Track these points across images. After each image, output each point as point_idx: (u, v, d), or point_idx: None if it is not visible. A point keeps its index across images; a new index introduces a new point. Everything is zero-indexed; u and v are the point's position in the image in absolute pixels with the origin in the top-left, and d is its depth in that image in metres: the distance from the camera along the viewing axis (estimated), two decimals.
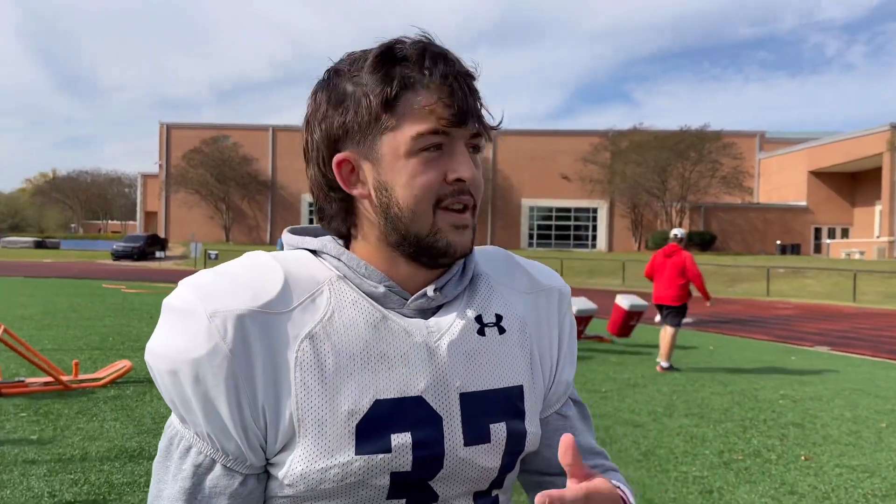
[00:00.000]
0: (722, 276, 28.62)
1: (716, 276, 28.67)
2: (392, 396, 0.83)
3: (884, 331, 12.90)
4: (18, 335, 7.39)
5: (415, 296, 0.89)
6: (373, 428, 0.81)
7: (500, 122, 0.91)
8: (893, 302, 21.09)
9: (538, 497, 0.70)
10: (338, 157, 0.87)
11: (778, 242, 42.46)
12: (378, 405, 0.82)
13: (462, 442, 0.86)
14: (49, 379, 6.57)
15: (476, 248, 1.00)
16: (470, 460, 0.86)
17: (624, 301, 10.60)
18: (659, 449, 5.22)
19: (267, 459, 0.83)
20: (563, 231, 50.27)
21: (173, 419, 0.86)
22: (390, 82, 0.83)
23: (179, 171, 49.32)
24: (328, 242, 0.91)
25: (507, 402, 0.91)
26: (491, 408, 0.89)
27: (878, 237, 38.29)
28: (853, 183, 43.17)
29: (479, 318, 0.91)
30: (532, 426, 0.93)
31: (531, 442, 0.93)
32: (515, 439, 0.90)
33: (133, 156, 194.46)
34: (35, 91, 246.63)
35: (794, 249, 41.20)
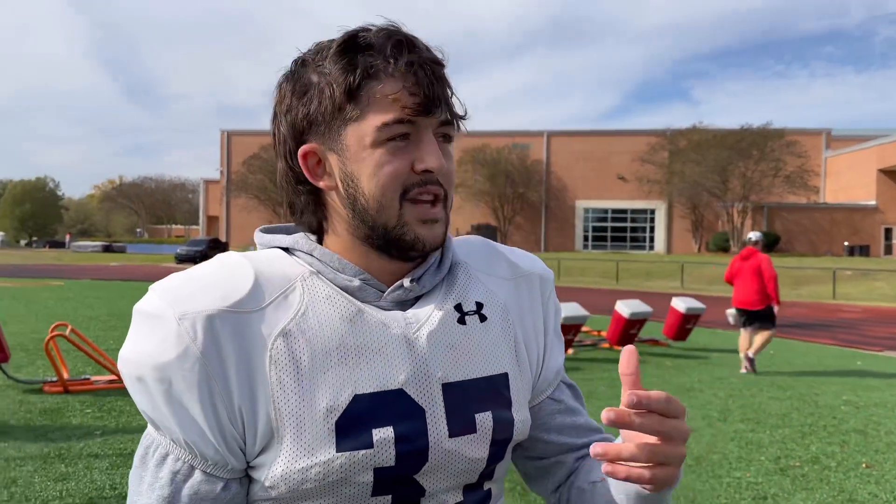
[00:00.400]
0: (786, 279, 27.72)
1: (779, 278, 27.73)
2: (371, 391, 0.81)
3: None
4: (85, 335, 7.72)
5: (391, 287, 0.87)
6: (353, 424, 0.79)
7: (466, 113, 0.88)
8: None
9: (607, 413, 0.70)
10: (303, 148, 0.86)
11: (846, 244, 40.95)
12: (357, 400, 0.80)
13: (447, 433, 0.84)
14: (113, 377, 6.86)
15: (454, 238, 0.99)
16: (456, 452, 0.85)
17: (680, 304, 10.41)
18: (712, 454, 5.11)
19: (248, 462, 0.81)
20: (620, 233, 49.52)
21: (149, 427, 0.83)
22: (353, 71, 0.81)
23: (239, 176, 50.55)
24: (300, 239, 0.90)
25: (492, 391, 0.89)
26: (476, 397, 0.87)
27: None
28: None
29: (458, 307, 0.90)
30: (519, 414, 0.92)
31: (519, 430, 0.92)
32: (502, 428, 0.89)
33: (196, 162, 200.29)
34: (103, 100, 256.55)
35: (863, 251, 39.65)
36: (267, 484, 0.79)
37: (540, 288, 1.00)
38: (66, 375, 6.68)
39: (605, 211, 49.50)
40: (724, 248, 41.29)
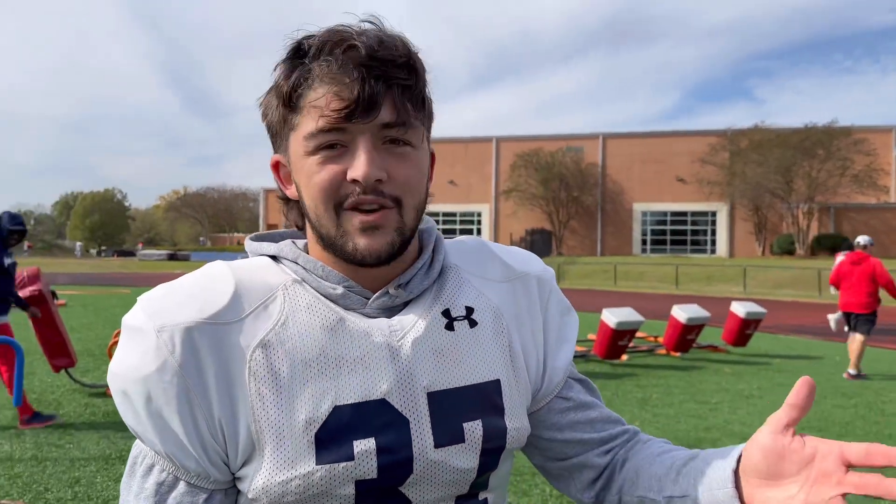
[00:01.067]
0: None
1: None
2: (352, 401, 0.79)
3: None
4: None
5: (376, 294, 0.85)
6: (333, 436, 0.78)
7: (430, 111, 0.85)
8: None
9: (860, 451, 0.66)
10: (272, 159, 0.89)
11: None
12: (337, 411, 0.78)
13: (432, 443, 0.81)
14: None
15: (450, 239, 0.97)
16: (443, 462, 0.82)
17: (740, 308, 10.14)
18: None
19: (233, 473, 0.80)
20: (679, 236, 48.47)
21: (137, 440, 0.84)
22: (288, 79, 0.80)
23: None
24: (285, 246, 0.89)
25: (482, 399, 0.86)
26: (464, 405, 0.84)
27: None
28: None
29: (446, 313, 0.87)
30: (514, 421, 0.89)
31: (514, 438, 0.88)
32: (494, 436, 0.86)
33: (256, 172, 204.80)
34: (168, 114, 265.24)
35: None
36: (250, 496, 0.79)
37: (538, 289, 0.96)
38: None
39: (664, 214, 48.52)
40: (790, 251, 39.98)
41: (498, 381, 0.88)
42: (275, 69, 0.83)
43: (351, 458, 0.78)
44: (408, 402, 0.81)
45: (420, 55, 0.83)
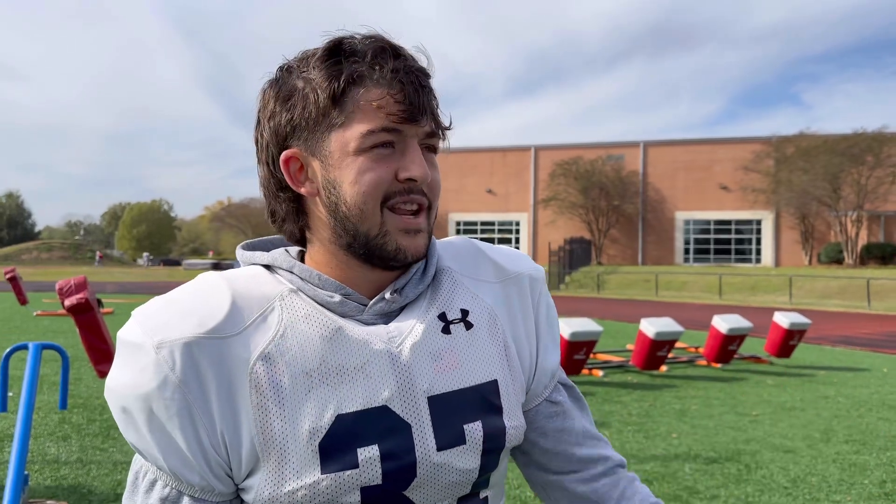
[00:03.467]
0: None
1: None
2: (354, 409, 0.80)
3: None
4: None
5: (373, 300, 0.86)
6: (337, 444, 0.79)
7: (451, 125, 0.88)
8: None
9: None
10: (285, 153, 0.85)
11: None
12: (340, 420, 0.79)
13: (435, 447, 0.83)
14: None
15: (439, 241, 0.98)
16: (446, 464, 0.83)
17: (783, 319, 9.93)
18: (811, 476, 4.84)
19: (236, 485, 0.81)
20: (724, 245, 47.55)
21: (137, 454, 0.84)
22: (338, 77, 0.80)
23: None
24: (279, 255, 0.89)
25: (480, 400, 0.87)
26: (464, 407, 0.86)
27: None
28: None
29: (442, 316, 0.88)
30: (512, 420, 0.90)
31: (512, 436, 0.90)
32: (494, 436, 0.87)
33: None
34: (213, 125, 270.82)
35: None
36: None
37: (529, 288, 0.97)
38: None
39: (708, 222, 47.67)
40: (838, 260, 38.92)
41: (495, 381, 0.90)
42: (300, 65, 0.84)
43: (356, 465, 0.79)
44: (409, 407, 0.82)
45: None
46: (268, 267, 0.90)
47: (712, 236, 47.62)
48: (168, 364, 0.76)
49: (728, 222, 47.24)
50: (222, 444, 0.79)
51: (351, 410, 0.80)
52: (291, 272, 0.87)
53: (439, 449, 0.83)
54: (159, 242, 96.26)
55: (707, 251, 47.66)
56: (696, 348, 10.92)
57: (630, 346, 9.88)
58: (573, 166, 45.48)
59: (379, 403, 0.81)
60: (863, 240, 39.19)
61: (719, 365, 9.86)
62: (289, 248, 0.94)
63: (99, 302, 7.22)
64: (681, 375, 9.18)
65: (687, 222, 47.91)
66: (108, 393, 0.81)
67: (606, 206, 46.07)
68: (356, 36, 0.83)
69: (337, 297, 0.85)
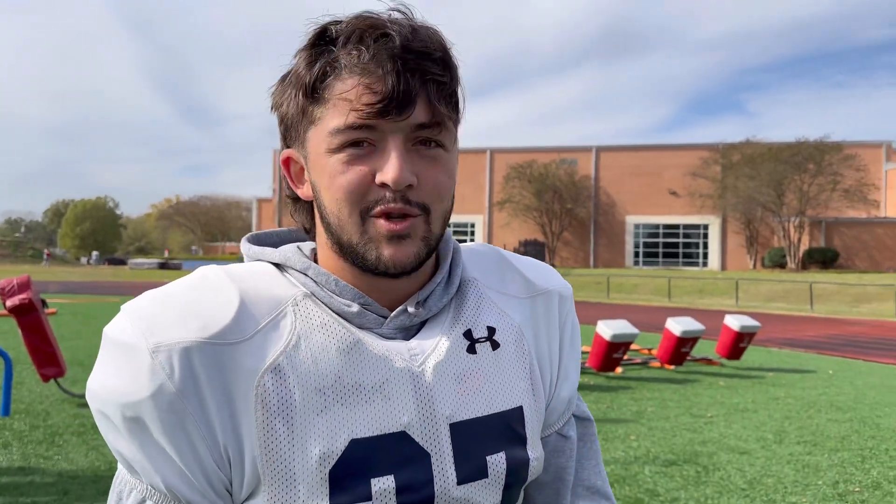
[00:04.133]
0: (845, 296, 26.81)
1: (838, 295, 26.90)
2: (370, 434, 0.72)
3: None
4: None
5: (394, 313, 0.78)
6: (349, 473, 0.71)
7: (461, 110, 0.77)
8: None
9: None
10: (284, 153, 0.81)
11: None
12: (354, 446, 0.71)
13: (455, 480, 0.75)
14: None
15: (463, 246, 0.90)
16: (465, 500, 0.76)
17: (734, 321, 10.13)
18: (766, 478, 4.92)
19: None
20: (672, 249, 48.60)
21: (121, 470, 0.75)
22: (312, 67, 0.72)
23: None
24: (291, 254, 0.79)
25: (505, 428, 0.79)
26: (487, 437, 0.78)
27: None
28: None
29: (468, 334, 0.80)
30: (535, 451, 0.83)
31: (535, 468, 0.83)
32: (517, 469, 0.80)
33: (249, 181, 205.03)
34: (161, 122, 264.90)
35: None
36: None
37: (558, 306, 0.89)
38: None
39: (657, 226, 48.67)
40: (781, 265, 40.13)
41: (521, 408, 0.82)
42: (295, 56, 0.76)
43: (368, 497, 0.71)
44: (429, 434, 0.74)
45: (453, 50, 0.75)
46: (277, 266, 0.81)
47: (661, 240, 48.65)
48: (165, 371, 0.68)
49: (676, 226, 48.32)
50: (225, 458, 0.71)
51: (366, 435, 0.72)
52: (305, 274, 0.78)
53: (459, 482, 0.75)
54: (104, 240, 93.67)
55: (656, 254, 48.66)
56: (649, 350, 11.06)
57: (586, 349, 9.95)
58: (528, 169, 45.96)
59: (397, 429, 0.73)
60: (805, 245, 40.51)
61: (672, 367, 9.99)
62: (301, 244, 0.85)
63: (43, 302, 6.93)
64: (636, 377, 9.28)
65: (637, 226, 48.84)
66: (91, 396, 0.72)
67: (560, 210, 46.66)
68: (344, 19, 0.74)
69: (355, 307, 0.76)
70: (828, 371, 10.23)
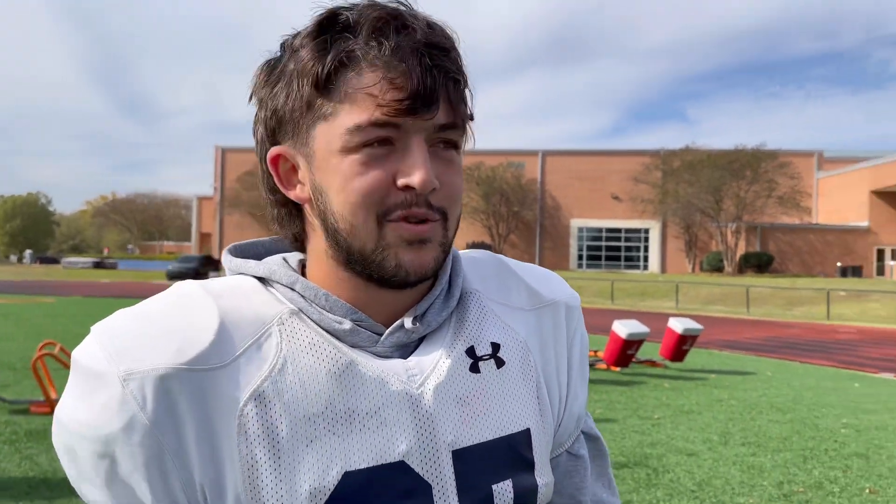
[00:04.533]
0: (779, 299, 27.76)
1: (773, 298, 27.82)
2: (366, 465, 0.66)
3: None
4: None
5: (389, 329, 0.71)
6: None
7: (472, 113, 0.72)
8: None
9: None
10: (273, 151, 0.71)
11: (838, 264, 41.05)
12: (348, 478, 0.65)
13: None
14: None
15: (462, 253, 0.83)
16: None
17: (677, 324, 10.33)
18: (714, 479, 5.01)
19: None
20: (614, 252, 49.57)
21: None
22: (324, 58, 0.65)
23: (233, 193, 50.44)
24: (277, 267, 0.73)
25: (511, 454, 0.73)
26: (493, 464, 0.72)
27: None
28: None
29: (471, 351, 0.74)
30: (543, 476, 0.77)
31: (544, 496, 0.77)
32: (525, 498, 0.74)
33: (190, 178, 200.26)
34: (98, 116, 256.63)
35: (856, 271, 39.72)
36: None
37: (566, 318, 0.83)
38: (53, 396, 6.53)
39: (600, 230, 49.56)
40: (718, 268, 41.33)
41: (528, 430, 0.76)
42: (292, 42, 0.69)
43: None
44: (430, 463, 0.68)
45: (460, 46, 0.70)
46: (261, 279, 0.74)
47: (604, 243, 49.58)
48: (137, 401, 0.61)
49: (618, 230, 49.31)
50: (202, 499, 0.64)
51: (362, 467, 0.66)
52: (292, 289, 0.72)
53: None
54: (36, 238, 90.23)
55: (599, 257, 49.55)
56: (595, 352, 11.20)
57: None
58: (475, 172, 46.15)
59: (395, 458, 0.67)
60: (741, 249, 41.81)
61: (618, 369, 10.14)
62: (287, 255, 0.78)
63: None
64: None
65: (581, 229, 49.65)
66: (57, 427, 0.66)
67: (507, 212, 47.07)
68: (356, 4, 0.67)
69: (347, 324, 0.70)
70: (766, 373, 10.54)
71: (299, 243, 0.77)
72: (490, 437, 0.72)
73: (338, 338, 0.70)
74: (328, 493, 0.64)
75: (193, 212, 64.55)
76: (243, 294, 0.71)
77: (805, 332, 18.82)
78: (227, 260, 0.77)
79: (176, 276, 43.99)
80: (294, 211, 0.75)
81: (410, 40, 0.65)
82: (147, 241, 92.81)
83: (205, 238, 61.96)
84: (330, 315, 0.70)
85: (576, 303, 0.86)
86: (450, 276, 0.78)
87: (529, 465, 0.75)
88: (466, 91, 0.70)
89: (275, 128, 0.71)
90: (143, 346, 0.63)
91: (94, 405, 0.63)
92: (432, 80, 0.65)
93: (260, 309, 0.69)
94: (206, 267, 45.26)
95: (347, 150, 0.66)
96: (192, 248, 64.38)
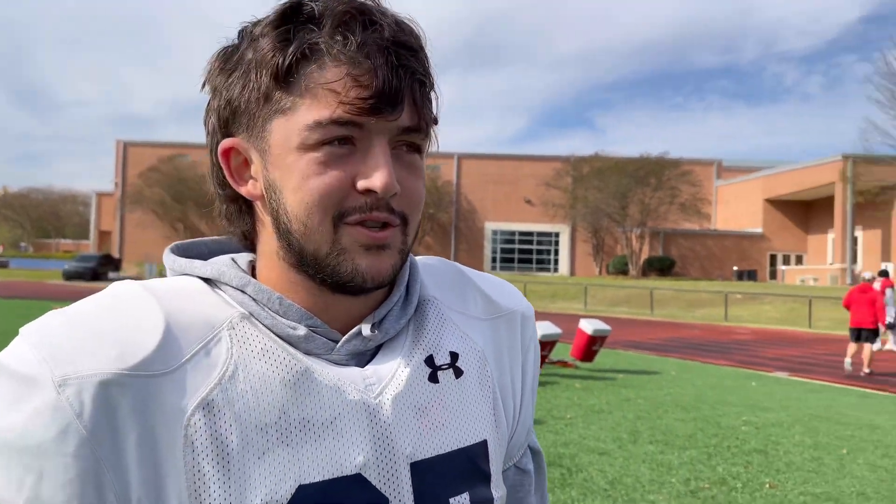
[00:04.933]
0: (681, 301, 28.96)
1: (675, 301, 28.99)
2: (321, 478, 0.63)
3: (840, 356, 13.09)
4: None
5: (346, 336, 0.68)
6: None
7: (437, 117, 0.70)
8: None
9: None
10: (224, 143, 0.68)
11: (735, 268, 43.23)
12: (302, 492, 0.62)
13: None
14: None
15: (420, 259, 0.82)
16: None
17: (588, 326, 10.59)
18: (625, 477, 5.13)
19: None
20: (526, 255, 50.50)
21: None
22: (286, 48, 0.62)
23: (136, 189, 48.33)
24: (226, 268, 0.69)
25: (469, 466, 0.71)
26: (450, 476, 0.69)
27: (831, 264, 39.26)
28: (807, 211, 44.25)
29: (429, 360, 0.72)
30: (498, 489, 0.75)
31: None
32: None
33: (89, 173, 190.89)
34: None
35: (751, 275, 41.94)
36: None
37: (521, 328, 0.82)
38: None
39: (513, 233, 50.38)
40: (624, 272, 42.76)
41: (485, 441, 0.74)
42: (251, 31, 0.66)
43: None
44: (388, 476, 0.65)
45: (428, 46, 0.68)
46: (208, 281, 0.69)
47: (517, 246, 50.43)
48: (74, 409, 0.56)
49: (531, 234, 50.27)
50: None
51: (317, 480, 0.62)
52: (243, 291, 0.67)
53: None
54: None
55: (512, 260, 50.35)
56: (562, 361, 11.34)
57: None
58: None
59: (351, 471, 0.64)
60: (645, 254, 43.43)
61: (576, 365, 10.36)
62: (236, 256, 0.73)
63: None
64: None
65: (495, 232, 50.32)
66: None
67: (423, 214, 47.09)
68: None
69: (302, 330, 0.66)
70: (671, 372, 10.94)
71: (248, 242, 0.73)
72: (448, 449, 0.70)
73: (291, 344, 0.66)
74: None
75: (92, 209, 61.48)
76: (189, 296, 0.66)
77: (705, 332, 19.69)
78: (170, 260, 0.73)
79: (73, 275, 41.80)
80: (244, 207, 0.71)
81: (378, 37, 0.62)
82: (42, 238, 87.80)
83: (104, 236, 59.08)
84: (283, 320, 0.67)
85: (530, 313, 0.85)
86: (407, 282, 0.76)
87: (486, 478, 0.73)
88: (432, 94, 0.68)
89: (228, 118, 0.67)
90: (81, 350, 0.58)
91: (24, 411, 0.57)
92: (398, 80, 0.62)
93: (208, 312, 0.65)
94: (105, 267, 43.22)
95: (306, 147, 0.63)
96: (90, 246, 61.20)
